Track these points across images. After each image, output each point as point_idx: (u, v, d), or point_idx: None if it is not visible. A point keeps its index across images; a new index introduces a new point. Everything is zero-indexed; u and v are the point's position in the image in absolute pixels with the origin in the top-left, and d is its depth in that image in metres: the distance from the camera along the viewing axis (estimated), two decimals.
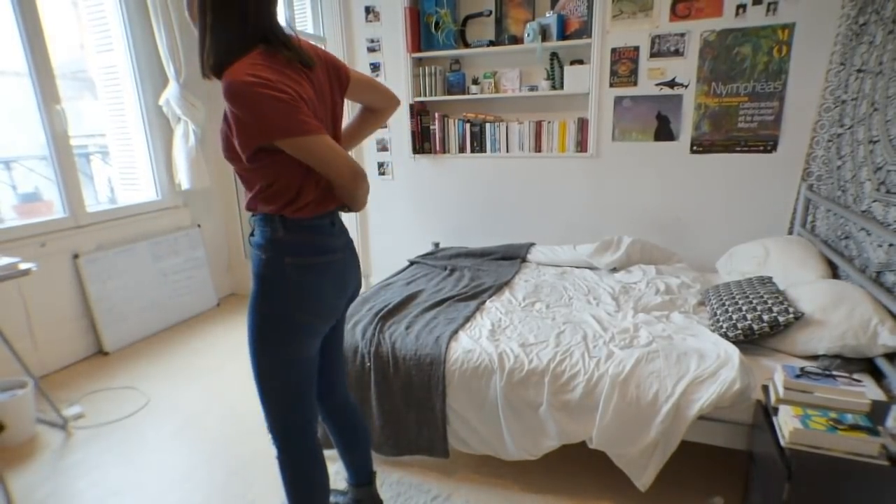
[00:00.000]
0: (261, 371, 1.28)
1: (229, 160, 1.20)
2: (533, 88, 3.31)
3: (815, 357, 1.82)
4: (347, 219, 3.98)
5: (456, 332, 1.99)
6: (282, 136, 1.08)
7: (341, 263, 1.32)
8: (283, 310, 1.24)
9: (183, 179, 3.40)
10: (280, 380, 1.29)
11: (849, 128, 2.34)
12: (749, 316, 1.88)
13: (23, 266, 2.06)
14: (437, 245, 3.44)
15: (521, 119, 3.43)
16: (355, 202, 1.26)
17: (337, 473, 1.87)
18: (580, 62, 3.19)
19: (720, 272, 2.75)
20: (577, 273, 2.78)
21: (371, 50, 3.63)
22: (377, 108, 1.43)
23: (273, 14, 1.16)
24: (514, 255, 3.05)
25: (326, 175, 1.17)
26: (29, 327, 2.70)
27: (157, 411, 2.43)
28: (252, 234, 1.27)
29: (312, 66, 1.19)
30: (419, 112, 3.60)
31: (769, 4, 2.76)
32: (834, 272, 2.25)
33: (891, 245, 1.84)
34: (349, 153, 1.21)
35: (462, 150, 3.59)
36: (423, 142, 3.65)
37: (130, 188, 3.48)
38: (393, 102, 1.43)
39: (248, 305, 1.27)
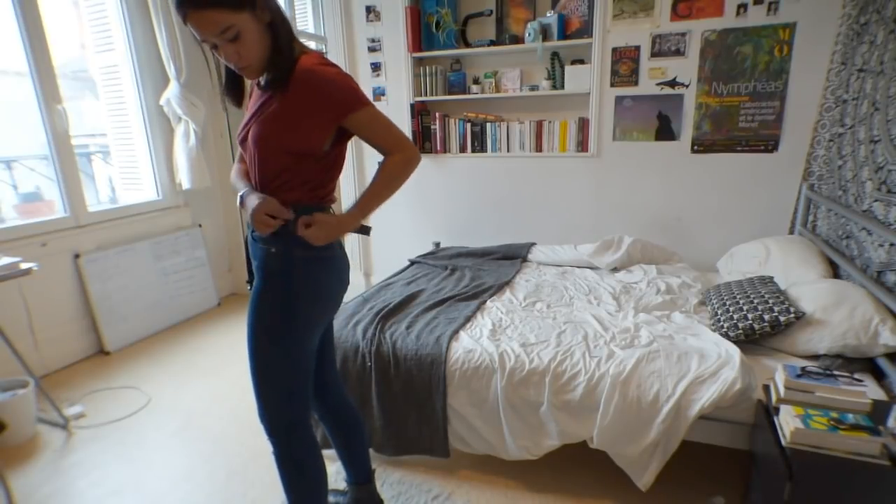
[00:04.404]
0: (261, 365, 1.30)
1: (273, 153, 1.22)
2: (534, 88, 3.31)
3: (816, 357, 1.82)
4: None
5: (457, 331, 1.99)
6: (363, 103, 1.20)
7: (341, 258, 1.36)
8: (291, 303, 1.26)
9: (183, 179, 3.41)
10: (280, 374, 1.30)
11: (850, 127, 2.34)
12: (750, 315, 1.87)
13: (24, 266, 2.07)
14: (437, 245, 3.44)
15: (522, 119, 3.42)
16: (399, 180, 1.28)
17: (337, 473, 1.87)
18: (581, 62, 3.19)
19: (721, 272, 2.75)
20: (578, 273, 2.78)
21: (372, 50, 3.63)
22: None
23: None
24: (514, 255, 3.05)
25: (385, 145, 1.25)
26: (30, 327, 2.70)
27: (158, 411, 2.43)
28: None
29: None
30: (420, 112, 3.60)
31: (770, 4, 2.76)
32: (835, 272, 2.25)
33: (892, 245, 1.84)
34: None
35: (463, 149, 3.59)
36: (423, 142, 3.65)
37: (131, 188, 3.48)
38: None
39: (250, 300, 1.28)
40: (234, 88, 1.29)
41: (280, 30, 1.17)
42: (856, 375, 1.59)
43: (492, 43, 3.29)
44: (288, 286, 1.25)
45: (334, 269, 1.32)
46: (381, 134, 1.23)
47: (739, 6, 2.81)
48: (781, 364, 1.55)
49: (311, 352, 1.34)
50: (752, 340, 1.87)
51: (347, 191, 3.90)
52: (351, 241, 3.97)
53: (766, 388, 1.57)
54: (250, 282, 1.35)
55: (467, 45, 3.39)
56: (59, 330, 2.84)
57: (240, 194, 1.29)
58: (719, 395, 1.57)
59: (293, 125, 1.18)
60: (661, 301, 2.27)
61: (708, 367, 1.66)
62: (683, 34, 2.94)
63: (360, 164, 3.89)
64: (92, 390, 2.62)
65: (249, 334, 1.28)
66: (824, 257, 2.32)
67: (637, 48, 3.04)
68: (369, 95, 3.68)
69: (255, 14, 1.12)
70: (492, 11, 3.31)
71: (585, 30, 3.12)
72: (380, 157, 1.30)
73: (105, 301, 3.02)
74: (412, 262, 3.05)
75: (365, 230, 1.30)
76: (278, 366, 1.29)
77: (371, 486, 1.67)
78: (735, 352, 1.70)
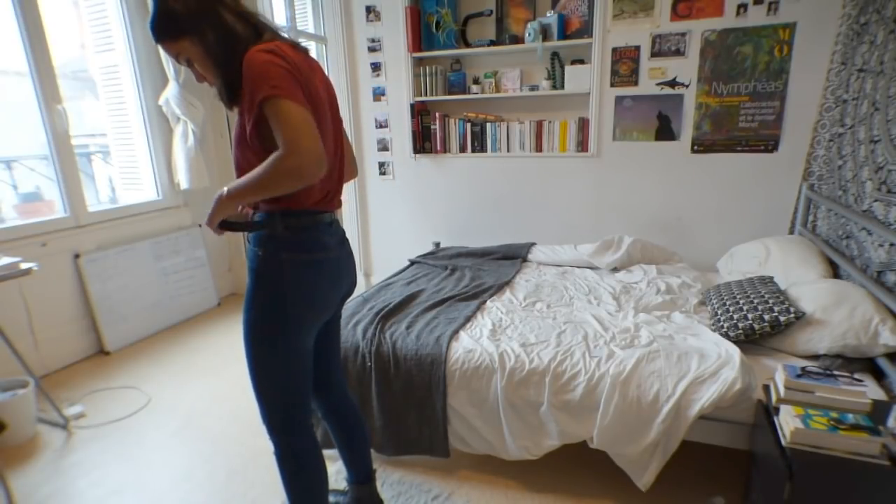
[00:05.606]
0: (257, 365, 1.29)
1: (240, 152, 1.22)
2: (534, 88, 3.31)
3: (816, 357, 1.82)
4: (348, 218, 3.99)
5: (457, 331, 1.99)
6: (275, 93, 1.05)
7: (336, 260, 1.34)
8: (278, 303, 1.25)
9: (182, 179, 3.40)
10: (276, 374, 1.30)
11: (850, 127, 2.34)
12: (750, 315, 1.88)
13: (24, 266, 2.06)
14: (437, 245, 3.44)
15: (522, 119, 3.42)
16: (270, 179, 1.07)
17: (338, 473, 1.87)
18: (581, 62, 3.19)
19: (721, 272, 2.75)
20: (578, 273, 2.78)
21: (372, 50, 3.63)
22: None
23: (253, 13, 1.22)
24: (514, 255, 3.05)
25: (281, 143, 1.05)
26: (30, 327, 2.70)
27: (158, 411, 2.43)
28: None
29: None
30: (420, 112, 3.60)
31: (770, 4, 2.76)
32: (835, 272, 2.25)
33: (892, 244, 1.84)
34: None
35: (463, 149, 3.59)
36: (423, 141, 3.65)
37: (131, 188, 3.48)
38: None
39: (244, 302, 1.28)
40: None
41: (215, 52, 1.16)
42: (856, 375, 1.59)
43: (492, 43, 3.29)
44: (276, 288, 1.25)
45: (325, 271, 1.30)
46: (282, 130, 1.05)
47: (739, 6, 2.81)
48: (781, 364, 1.55)
49: (306, 352, 1.33)
50: (752, 340, 1.87)
51: (347, 192, 3.90)
52: (352, 241, 3.97)
53: (766, 388, 1.57)
54: None
55: (467, 45, 3.39)
56: (59, 330, 2.84)
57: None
58: (719, 395, 1.57)
59: (239, 117, 1.19)
60: (661, 301, 2.27)
61: (708, 367, 1.66)
62: (683, 34, 2.94)
63: (359, 161, 3.89)
64: (92, 390, 2.62)
65: (245, 335, 1.29)
66: (824, 257, 2.32)
67: (637, 48, 3.05)
68: (369, 95, 3.73)
69: (194, 40, 1.15)
70: (492, 11, 3.31)
71: (585, 30, 3.13)
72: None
73: (105, 301, 3.02)
74: (412, 262, 3.05)
75: (238, 227, 1.25)
76: (273, 366, 1.29)
77: (372, 486, 1.66)
78: (735, 352, 1.70)
